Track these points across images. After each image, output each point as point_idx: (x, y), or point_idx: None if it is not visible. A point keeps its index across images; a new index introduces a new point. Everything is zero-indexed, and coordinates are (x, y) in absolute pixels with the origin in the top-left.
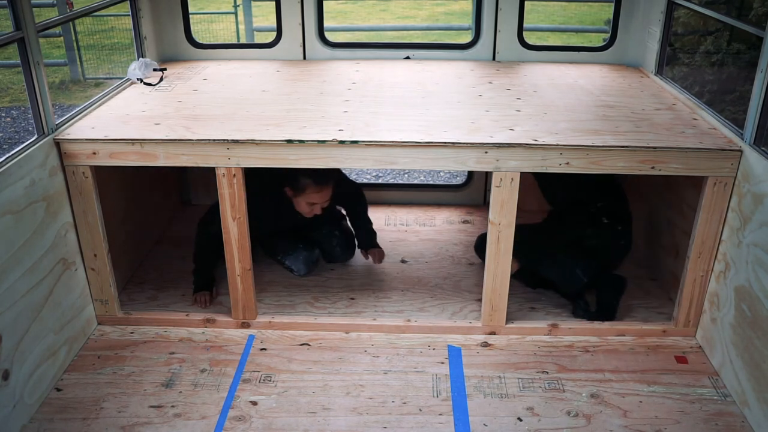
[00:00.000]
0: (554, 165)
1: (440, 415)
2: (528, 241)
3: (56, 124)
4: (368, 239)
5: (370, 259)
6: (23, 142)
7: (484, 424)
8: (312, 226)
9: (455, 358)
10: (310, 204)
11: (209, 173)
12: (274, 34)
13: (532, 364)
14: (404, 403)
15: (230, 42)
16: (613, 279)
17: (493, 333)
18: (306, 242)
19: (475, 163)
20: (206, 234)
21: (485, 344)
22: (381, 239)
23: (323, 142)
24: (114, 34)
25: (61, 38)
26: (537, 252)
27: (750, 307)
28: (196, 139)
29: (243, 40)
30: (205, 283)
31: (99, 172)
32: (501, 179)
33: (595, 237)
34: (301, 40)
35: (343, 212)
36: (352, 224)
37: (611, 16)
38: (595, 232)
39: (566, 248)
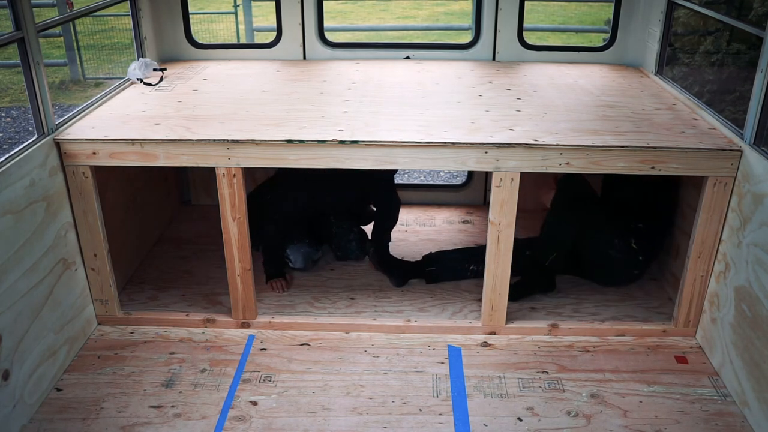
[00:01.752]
0: (554, 165)
1: (440, 415)
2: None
3: (56, 124)
4: (379, 252)
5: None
6: (23, 142)
7: (484, 424)
8: (331, 222)
9: (455, 358)
10: None
11: (209, 173)
12: (274, 34)
13: (532, 364)
14: (404, 403)
15: (230, 42)
16: (549, 279)
17: (493, 333)
18: (315, 240)
19: (475, 163)
20: (270, 231)
21: (485, 344)
22: None
23: (323, 142)
24: (114, 34)
25: (61, 38)
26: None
27: (750, 307)
28: (196, 139)
29: (243, 40)
30: (277, 270)
31: (99, 172)
32: (501, 179)
33: (612, 250)
34: (301, 40)
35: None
36: (374, 232)
37: (611, 16)
38: (616, 246)
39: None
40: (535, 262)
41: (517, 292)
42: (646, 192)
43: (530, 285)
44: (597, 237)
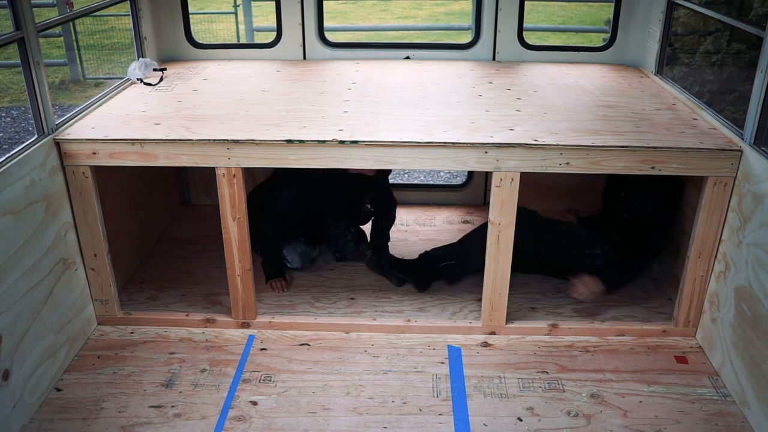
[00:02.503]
0: (554, 165)
1: (440, 415)
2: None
3: (56, 124)
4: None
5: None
6: (23, 142)
7: (484, 424)
8: (328, 223)
9: (455, 358)
10: None
11: (209, 173)
12: (274, 34)
13: (532, 364)
14: (404, 403)
15: (230, 42)
16: (426, 280)
17: (493, 333)
18: (312, 239)
19: (475, 163)
20: (268, 232)
21: (485, 344)
22: None
23: (323, 142)
24: (114, 34)
25: (61, 38)
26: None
27: (750, 307)
28: (196, 139)
29: (243, 40)
30: (277, 270)
31: (99, 172)
32: (501, 179)
33: (599, 259)
34: (301, 40)
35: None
36: (372, 233)
37: (611, 16)
38: (592, 256)
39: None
40: (433, 261)
41: (390, 265)
42: (643, 192)
43: (407, 269)
44: (574, 258)
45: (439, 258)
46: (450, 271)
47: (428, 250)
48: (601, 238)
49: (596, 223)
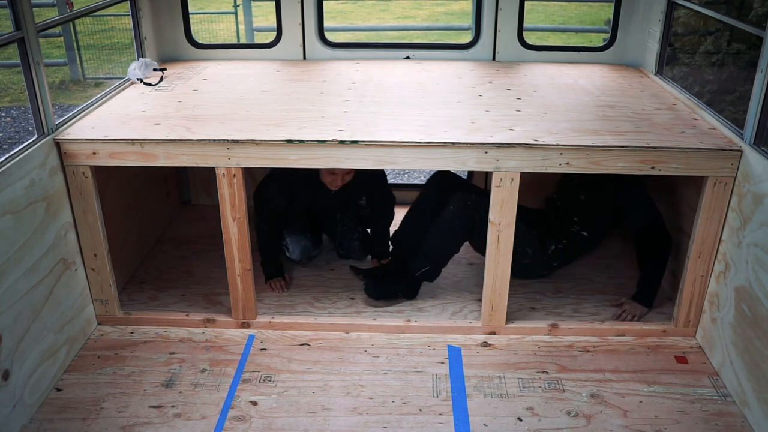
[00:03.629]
0: (554, 165)
1: (440, 415)
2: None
3: (56, 124)
4: (381, 250)
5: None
6: (23, 142)
7: (484, 424)
8: (336, 219)
9: (455, 358)
10: (330, 173)
11: (209, 173)
12: (274, 34)
13: (532, 364)
14: (404, 403)
15: (230, 42)
16: (412, 288)
17: (493, 333)
18: (317, 235)
19: (475, 163)
20: (263, 231)
21: (485, 344)
22: None
23: (323, 142)
24: (114, 34)
25: (61, 38)
26: None
27: (750, 307)
28: (196, 139)
29: (243, 40)
30: (276, 270)
31: (99, 172)
32: (501, 179)
33: (524, 259)
34: (301, 40)
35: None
36: (371, 231)
37: (611, 16)
38: (526, 254)
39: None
40: (405, 266)
41: (378, 290)
42: (593, 198)
43: (393, 286)
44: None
45: (412, 265)
46: (428, 275)
47: (396, 231)
48: (537, 239)
49: (541, 220)
